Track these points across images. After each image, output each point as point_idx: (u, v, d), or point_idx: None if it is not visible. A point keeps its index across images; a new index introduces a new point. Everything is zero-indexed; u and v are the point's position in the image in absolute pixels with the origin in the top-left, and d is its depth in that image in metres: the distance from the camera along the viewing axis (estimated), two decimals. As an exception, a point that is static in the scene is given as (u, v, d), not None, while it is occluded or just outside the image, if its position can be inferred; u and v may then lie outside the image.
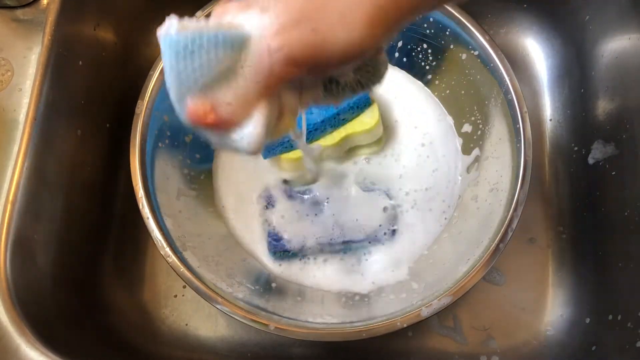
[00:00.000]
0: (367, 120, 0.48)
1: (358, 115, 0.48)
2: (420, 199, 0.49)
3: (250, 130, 0.23)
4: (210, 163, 0.51)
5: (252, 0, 0.22)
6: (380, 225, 0.47)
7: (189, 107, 0.23)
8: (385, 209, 0.48)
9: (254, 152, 0.24)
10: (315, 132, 0.48)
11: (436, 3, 0.24)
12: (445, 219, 0.48)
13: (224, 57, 0.22)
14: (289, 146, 0.48)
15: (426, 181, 0.49)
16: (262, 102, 0.23)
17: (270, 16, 0.21)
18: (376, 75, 0.27)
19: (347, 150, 0.50)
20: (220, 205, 0.50)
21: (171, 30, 0.22)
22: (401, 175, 0.50)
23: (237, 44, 0.22)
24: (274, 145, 0.47)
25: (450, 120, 0.51)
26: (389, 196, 0.49)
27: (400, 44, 0.51)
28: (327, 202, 0.48)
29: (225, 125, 0.23)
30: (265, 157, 0.49)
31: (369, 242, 0.47)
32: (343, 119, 0.48)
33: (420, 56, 0.51)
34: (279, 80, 0.22)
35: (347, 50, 0.21)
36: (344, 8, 0.21)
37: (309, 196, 0.48)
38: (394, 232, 0.47)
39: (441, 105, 0.52)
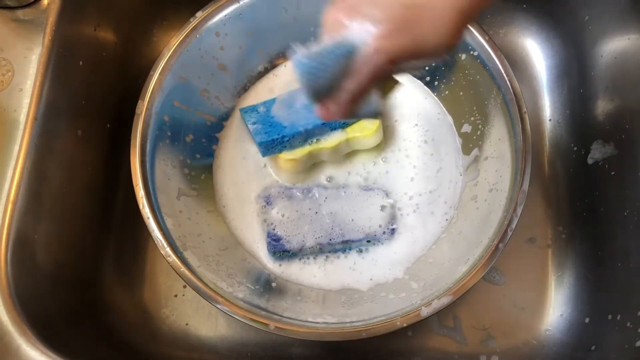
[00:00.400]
0: (368, 125, 0.48)
1: (359, 119, 0.48)
2: (423, 202, 0.49)
3: (373, 105, 0.32)
4: (210, 163, 0.51)
5: (356, 9, 0.28)
6: (380, 225, 0.47)
7: (319, 113, 0.31)
8: (383, 207, 0.48)
9: (382, 114, 0.34)
10: (314, 133, 0.48)
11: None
12: (447, 220, 0.48)
13: (341, 65, 0.28)
14: (288, 146, 0.48)
15: (430, 183, 0.49)
16: (371, 86, 0.30)
17: (375, 26, 0.27)
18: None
19: (346, 154, 0.50)
20: (221, 205, 0.50)
21: (301, 57, 0.29)
22: (410, 177, 0.50)
23: (350, 53, 0.28)
24: (274, 144, 0.47)
25: (449, 119, 0.51)
26: (388, 195, 0.49)
27: (400, 44, 0.52)
28: (326, 201, 0.48)
29: (348, 114, 0.31)
30: (264, 155, 0.49)
31: (369, 241, 0.47)
32: (344, 122, 0.48)
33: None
34: (382, 73, 0.29)
35: (436, 50, 0.28)
36: (435, 18, 0.27)
37: (307, 195, 0.49)
38: (393, 231, 0.48)
39: (440, 104, 0.52)
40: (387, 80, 0.32)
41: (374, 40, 0.27)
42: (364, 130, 0.48)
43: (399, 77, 0.34)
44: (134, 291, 0.51)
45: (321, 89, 0.30)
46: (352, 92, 0.29)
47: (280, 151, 0.48)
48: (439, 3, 0.27)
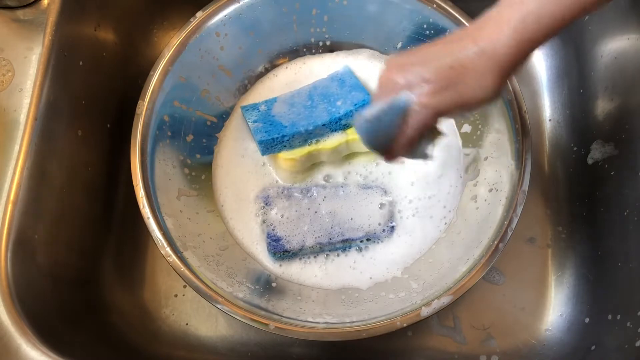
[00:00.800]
0: None
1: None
2: (422, 206, 0.49)
3: (423, 149, 0.37)
4: (210, 163, 0.51)
5: (408, 70, 0.32)
6: (379, 223, 0.47)
7: (386, 158, 0.37)
8: (382, 205, 0.48)
9: (430, 158, 0.39)
10: (315, 133, 0.48)
11: (530, 50, 0.30)
12: (445, 223, 0.48)
13: (395, 122, 0.33)
14: (287, 145, 0.48)
15: (430, 187, 0.49)
16: (422, 135, 0.35)
17: (423, 85, 0.31)
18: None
19: (345, 156, 0.50)
20: (220, 205, 0.50)
21: (362, 122, 0.35)
22: (410, 181, 0.50)
23: (402, 110, 0.32)
24: (274, 143, 0.47)
25: (451, 120, 0.51)
26: (386, 193, 0.49)
27: (399, 45, 0.52)
28: (324, 200, 0.48)
29: (402, 158, 0.37)
30: (263, 154, 0.49)
31: (368, 239, 0.47)
32: (344, 125, 0.48)
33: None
34: (430, 125, 0.33)
35: (481, 102, 0.31)
36: (478, 76, 0.30)
37: (306, 195, 0.49)
38: (392, 228, 0.48)
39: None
40: (434, 130, 0.37)
41: (422, 98, 0.31)
42: None
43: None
44: (134, 291, 0.51)
45: (380, 142, 0.35)
46: (404, 142, 0.34)
47: (280, 150, 0.48)
48: (481, 62, 0.30)
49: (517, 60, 0.30)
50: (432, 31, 0.48)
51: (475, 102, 0.31)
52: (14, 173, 0.40)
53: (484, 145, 0.48)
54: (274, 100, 0.51)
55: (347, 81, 0.51)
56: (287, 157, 0.48)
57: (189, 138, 0.49)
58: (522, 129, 0.43)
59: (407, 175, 0.50)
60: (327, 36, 0.53)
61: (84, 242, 0.48)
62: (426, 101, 0.31)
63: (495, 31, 0.29)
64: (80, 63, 0.47)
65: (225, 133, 0.52)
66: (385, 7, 0.49)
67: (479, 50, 0.30)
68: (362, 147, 0.49)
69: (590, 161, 0.49)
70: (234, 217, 0.50)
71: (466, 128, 0.50)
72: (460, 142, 0.51)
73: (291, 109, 0.50)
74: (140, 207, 0.42)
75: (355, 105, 0.48)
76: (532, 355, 0.48)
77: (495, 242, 0.40)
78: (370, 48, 0.54)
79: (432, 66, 0.31)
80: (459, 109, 0.32)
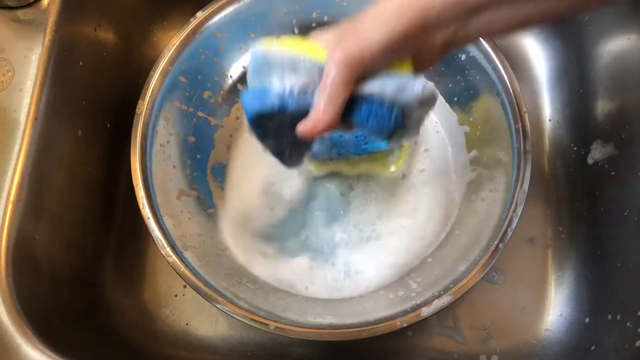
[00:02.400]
0: (390, 160, 0.48)
1: (384, 153, 0.47)
2: (422, 207, 0.49)
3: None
4: (210, 163, 0.51)
5: (326, 38, 0.32)
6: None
7: (300, 132, 0.32)
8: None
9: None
10: (338, 153, 0.48)
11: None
12: (445, 224, 0.48)
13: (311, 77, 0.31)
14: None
15: (431, 188, 0.49)
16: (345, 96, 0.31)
17: (332, 41, 0.31)
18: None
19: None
20: (220, 205, 0.50)
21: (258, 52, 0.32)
22: (412, 182, 0.50)
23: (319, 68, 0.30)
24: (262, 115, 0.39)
25: (454, 116, 0.51)
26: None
27: (400, 44, 0.51)
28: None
29: (330, 126, 0.31)
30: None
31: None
32: (370, 151, 0.48)
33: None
34: (348, 78, 0.30)
35: (381, 42, 0.29)
36: (377, 16, 0.30)
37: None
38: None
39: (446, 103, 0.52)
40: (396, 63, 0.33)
41: (330, 51, 0.30)
42: (384, 166, 0.48)
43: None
44: (134, 291, 0.51)
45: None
46: (327, 103, 0.31)
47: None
48: (378, 8, 0.30)
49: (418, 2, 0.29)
50: (432, 31, 0.48)
51: (375, 43, 0.29)
52: (14, 173, 0.40)
53: (484, 145, 0.48)
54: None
55: None
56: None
57: (189, 138, 0.49)
58: (522, 129, 0.43)
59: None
60: (327, 36, 0.53)
61: (84, 242, 0.48)
62: (332, 54, 0.30)
63: None
64: (80, 63, 0.47)
65: (225, 133, 0.52)
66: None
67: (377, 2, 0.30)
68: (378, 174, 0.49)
69: (590, 161, 0.49)
70: (234, 217, 0.50)
71: (466, 128, 0.50)
72: (460, 142, 0.51)
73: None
74: (140, 207, 0.42)
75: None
76: (532, 355, 0.48)
77: (495, 242, 0.40)
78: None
79: (347, 21, 0.31)
80: (362, 54, 0.30)
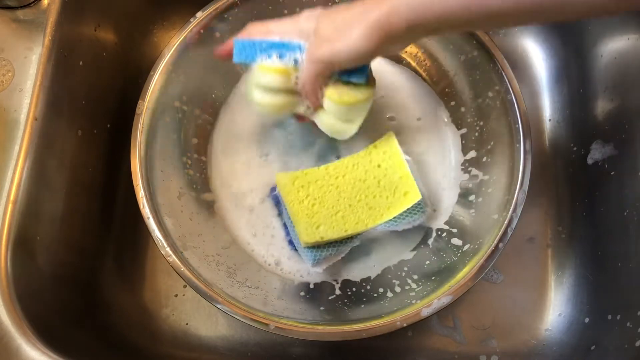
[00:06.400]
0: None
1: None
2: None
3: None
4: (211, 163, 0.51)
5: (313, 19, 0.38)
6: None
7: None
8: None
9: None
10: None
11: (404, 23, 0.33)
12: (445, 224, 0.48)
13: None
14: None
15: (431, 187, 0.49)
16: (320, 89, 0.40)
17: (311, 41, 0.38)
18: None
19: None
20: (220, 205, 0.50)
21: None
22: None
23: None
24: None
25: (447, 114, 0.51)
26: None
27: (400, 44, 0.52)
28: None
29: (315, 100, 0.41)
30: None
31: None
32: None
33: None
34: (321, 74, 0.39)
35: (350, 53, 0.35)
36: (348, 29, 0.35)
37: None
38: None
39: (440, 100, 0.52)
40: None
41: (310, 51, 0.38)
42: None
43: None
44: (134, 291, 0.51)
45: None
46: (309, 95, 0.40)
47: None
48: (354, 23, 0.34)
49: (385, 20, 0.33)
50: (432, 31, 0.48)
51: (345, 53, 0.35)
52: (14, 173, 0.40)
53: (484, 145, 0.48)
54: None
55: None
56: (265, 66, 0.41)
57: (189, 138, 0.49)
58: (522, 129, 0.43)
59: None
60: (327, 36, 0.53)
61: (84, 242, 0.48)
62: (312, 54, 0.37)
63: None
64: (80, 63, 0.47)
65: (225, 133, 0.52)
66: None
67: (360, 11, 0.34)
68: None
69: (590, 161, 0.49)
70: (233, 217, 0.50)
71: (466, 128, 0.50)
72: (459, 142, 0.51)
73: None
74: (140, 207, 0.42)
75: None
76: (532, 355, 0.48)
77: (495, 242, 0.40)
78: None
79: (328, 21, 0.36)
80: (334, 59, 0.36)
